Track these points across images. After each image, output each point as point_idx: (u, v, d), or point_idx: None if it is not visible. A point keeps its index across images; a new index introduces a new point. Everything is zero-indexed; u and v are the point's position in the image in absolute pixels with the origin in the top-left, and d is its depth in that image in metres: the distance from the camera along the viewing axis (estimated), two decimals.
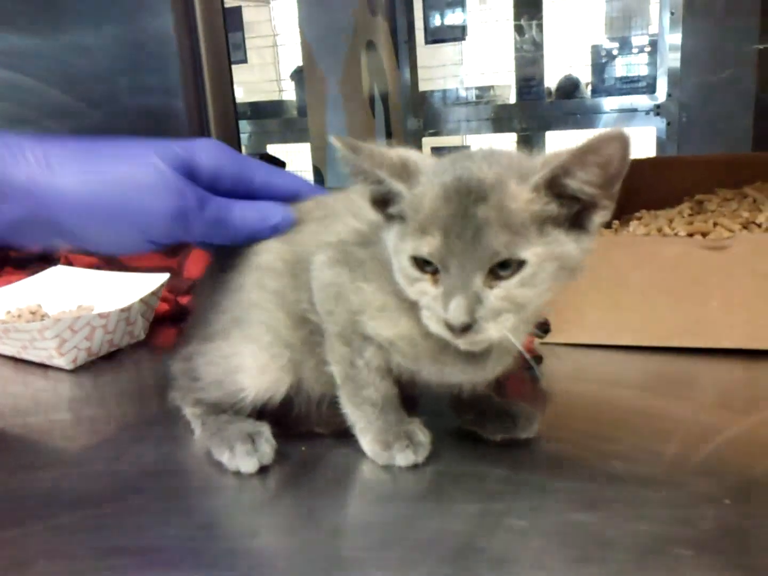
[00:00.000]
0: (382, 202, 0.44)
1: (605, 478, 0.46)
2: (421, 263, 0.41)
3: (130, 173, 0.47)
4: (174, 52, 1.39)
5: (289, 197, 0.53)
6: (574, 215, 0.41)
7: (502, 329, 0.40)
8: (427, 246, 0.40)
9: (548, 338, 0.70)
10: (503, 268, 0.40)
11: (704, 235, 0.77)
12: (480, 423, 0.52)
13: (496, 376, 0.49)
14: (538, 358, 0.65)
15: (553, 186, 0.40)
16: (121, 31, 1.44)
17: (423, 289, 0.42)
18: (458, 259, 0.39)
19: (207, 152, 0.50)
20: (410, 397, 0.52)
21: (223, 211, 0.50)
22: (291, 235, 0.51)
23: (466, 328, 0.40)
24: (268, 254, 0.51)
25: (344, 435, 0.50)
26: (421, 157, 0.44)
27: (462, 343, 0.41)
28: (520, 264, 0.40)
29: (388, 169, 0.42)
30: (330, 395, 0.51)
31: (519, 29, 2.35)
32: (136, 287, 0.80)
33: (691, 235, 0.77)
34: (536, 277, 0.40)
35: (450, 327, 0.40)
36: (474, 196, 0.39)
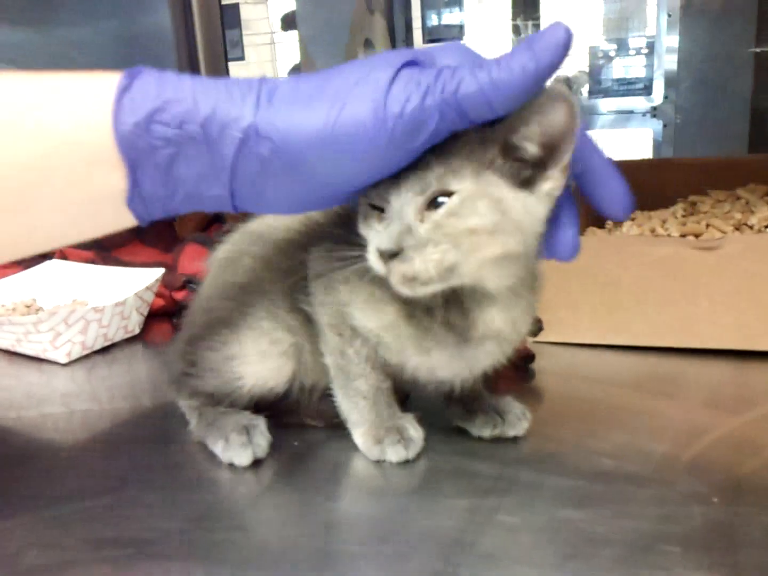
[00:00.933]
0: None
1: (595, 475, 0.46)
2: (378, 209, 0.42)
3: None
4: (170, 48, 1.39)
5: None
6: (526, 180, 0.41)
7: (426, 261, 0.40)
8: (380, 188, 0.41)
9: (541, 337, 0.70)
10: (439, 206, 0.40)
11: (697, 236, 0.77)
12: (469, 419, 0.52)
13: (485, 371, 0.49)
14: (531, 357, 0.65)
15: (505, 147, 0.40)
16: (117, 26, 1.43)
17: (371, 225, 0.43)
18: (397, 194, 0.41)
19: (450, 57, 0.41)
20: (403, 392, 0.52)
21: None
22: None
23: (393, 255, 0.40)
24: (286, 233, 0.52)
25: (337, 429, 0.51)
26: None
27: (394, 279, 0.41)
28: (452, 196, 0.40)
29: None
30: (322, 385, 0.51)
31: (516, 29, 2.35)
32: (131, 282, 0.80)
33: (683, 235, 0.78)
34: (465, 208, 0.40)
35: (381, 253, 0.41)
36: None
